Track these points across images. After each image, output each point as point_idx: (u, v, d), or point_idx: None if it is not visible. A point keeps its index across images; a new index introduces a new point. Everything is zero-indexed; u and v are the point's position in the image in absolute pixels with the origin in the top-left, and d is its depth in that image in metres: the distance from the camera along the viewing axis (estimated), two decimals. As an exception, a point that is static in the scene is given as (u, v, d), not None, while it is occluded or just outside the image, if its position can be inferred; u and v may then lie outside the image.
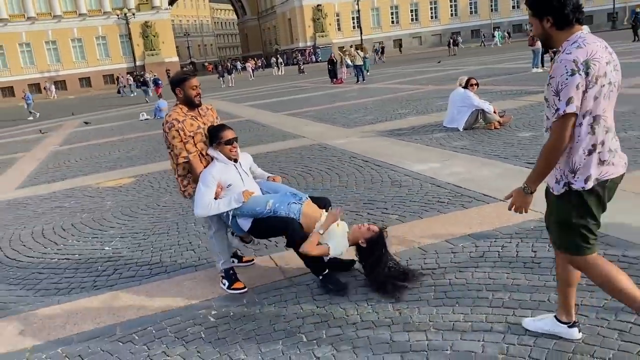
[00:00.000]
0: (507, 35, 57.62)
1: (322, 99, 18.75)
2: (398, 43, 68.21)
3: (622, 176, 2.54)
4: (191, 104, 3.94)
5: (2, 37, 59.40)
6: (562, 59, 2.32)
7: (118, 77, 48.27)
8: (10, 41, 59.88)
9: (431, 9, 73.71)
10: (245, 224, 3.87)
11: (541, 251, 3.89)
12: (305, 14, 70.37)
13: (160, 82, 31.27)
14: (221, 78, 40.80)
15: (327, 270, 3.76)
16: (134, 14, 59.14)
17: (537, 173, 2.50)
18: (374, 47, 53.92)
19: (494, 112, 9.09)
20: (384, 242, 3.76)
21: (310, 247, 3.61)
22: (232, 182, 3.87)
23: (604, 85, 2.35)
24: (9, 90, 58.92)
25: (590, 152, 2.40)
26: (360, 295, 3.60)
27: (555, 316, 2.85)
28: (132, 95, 40.63)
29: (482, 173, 6.24)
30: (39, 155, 13.23)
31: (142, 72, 50.63)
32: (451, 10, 74.09)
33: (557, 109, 2.33)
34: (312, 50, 69.45)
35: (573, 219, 2.48)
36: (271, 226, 3.79)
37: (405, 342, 2.96)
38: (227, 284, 3.98)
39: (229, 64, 47.94)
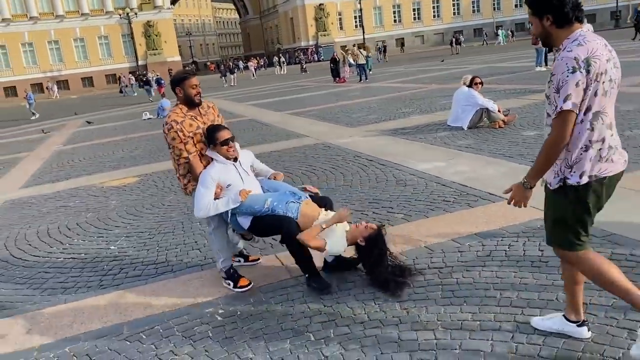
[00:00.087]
0: (510, 33, 57.51)
1: (325, 98, 18.74)
2: (400, 42, 68.09)
3: (621, 173, 2.55)
4: (191, 103, 3.94)
5: (4, 36, 59.51)
6: (563, 57, 2.34)
7: (120, 77, 48.31)
8: (12, 41, 59.97)
9: (434, 7, 73.61)
10: (245, 222, 3.88)
11: (548, 250, 3.85)
12: (307, 13, 70.32)
13: (162, 81, 31.26)
14: (223, 77, 40.81)
15: (315, 270, 3.79)
16: (136, 14, 59.19)
17: (536, 168, 2.52)
18: (376, 46, 53.86)
19: (499, 110, 9.07)
20: (384, 239, 3.75)
21: (308, 236, 3.62)
22: (232, 182, 3.88)
23: (604, 82, 2.36)
24: (11, 90, 59.00)
25: (587, 148, 2.42)
26: (367, 294, 3.60)
27: (564, 315, 2.84)
28: (134, 95, 40.63)
29: (487, 172, 6.23)
30: (43, 155, 13.25)
31: (145, 72, 50.72)
32: (454, 9, 73.98)
33: (557, 106, 2.35)
34: (314, 50, 69.41)
35: (568, 214, 2.50)
36: (269, 224, 3.80)
37: (414, 341, 2.96)
38: (231, 284, 3.98)
39: (231, 64, 47.92)
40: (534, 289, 3.36)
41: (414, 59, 45.00)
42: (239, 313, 3.58)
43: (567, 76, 2.30)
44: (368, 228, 3.77)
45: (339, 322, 3.27)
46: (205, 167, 3.94)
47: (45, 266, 5.01)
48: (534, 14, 2.47)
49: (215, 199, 3.85)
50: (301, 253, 3.74)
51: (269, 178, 4.25)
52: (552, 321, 2.87)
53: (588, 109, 2.37)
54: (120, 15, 59.33)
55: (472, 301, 3.31)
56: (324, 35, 70.09)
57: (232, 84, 38.17)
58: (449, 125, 9.61)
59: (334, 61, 27.70)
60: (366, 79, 25.19)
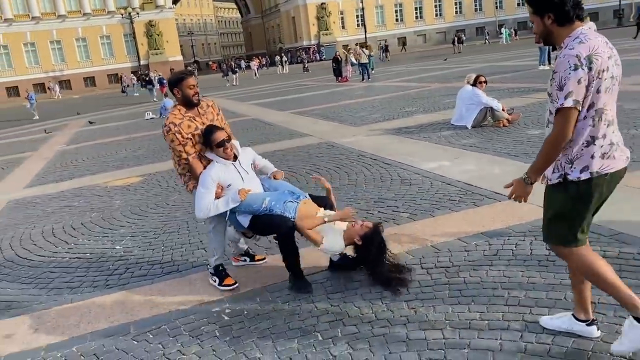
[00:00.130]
0: (513, 32, 57.38)
1: (327, 97, 18.73)
2: (402, 41, 68.03)
3: (624, 170, 2.56)
4: (190, 104, 3.94)
5: (6, 37, 59.66)
6: (565, 54, 2.36)
7: (122, 77, 48.34)
8: (15, 41, 60.11)
9: (436, 6, 73.54)
10: (245, 220, 3.89)
11: (556, 249, 3.86)
12: (309, 12, 70.33)
13: (164, 81, 31.26)
14: (225, 77, 40.83)
15: (300, 273, 3.82)
16: (138, 13, 59.32)
17: (538, 164, 2.53)
18: (379, 45, 53.80)
19: (503, 109, 9.05)
20: (381, 237, 3.73)
21: (308, 225, 3.67)
22: (232, 182, 3.89)
23: (606, 80, 2.38)
24: (13, 90, 59.11)
25: (588, 144, 2.43)
26: (374, 293, 3.59)
27: (573, 314, 2.83)
28: (136, 95, 40.64)
29: (492, 171, 6.22)
30: (46, 155, 13.26)
31: (147, 72, 50.78)
32: (456, 8, 73.90)
33: (559, 103, 2.37)
34: (316, 49, 69.39)
35: (568, 209, 2.52)
36: (266, 224, 3.82)
37: (422, 340, 2.95)
38: (217, 280, 4.02)
39: (233, 63, 47.93)
40: (541, 288, 3.35)
41: (416, 58, 44.95)
42: (245, 312, 3.58)
43: (569, 73, 2.32)
44: (363, 227, 3.75)
45: (347, 322, 3.26)
46: (205, 167, 3.94)
47: (51, 266, 5.01)
48: (535, 13, 2.49)
49: (216, 198, 3.85)
50: (292, 255, 3.77)
51: (269, 177, 4.24)
52: (561, 320, 2.86)
53: (591, 106, 2.39)
54: (122, 14, 59.44)
55: (480, 300, 3.30)
56: (326, 35, 70.07)
57: (235, 84, 38.17)
58: (452, 124, 9.59)
59: (336, 61, 27.68)
60: (369, 78, 25.18)
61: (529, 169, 2.57)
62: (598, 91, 2.37)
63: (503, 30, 55.08)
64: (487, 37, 59.01)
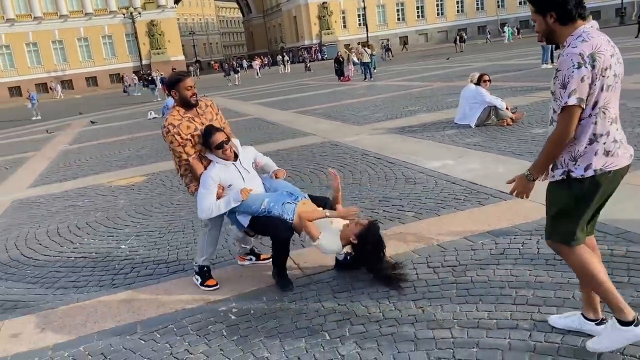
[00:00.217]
0: (516, 31, 57.27)
1: (330, 97, 18.72)
2: (403, 40, 67.96)
3: (627, 168, 2.57)
4: (188, 105, 3.94)
5: (9, 37, 59.75)
6: (568, 53, 2.37)
7: (123, 77, 48.35)
8: (17, 41, 60.20)
9: (437, 5, 73.47)
10: (245, 220, 3.91)
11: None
12: (310, 11, 70.31)
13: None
14: (227, 77, 40.80)
15: (284, 271, 3.89)
16: (140, 13, 59.38)
17: (540, 162, 2.55)
18: (381, 44, 53.74)
19: (507, 108, 9.03)
20: (376, 234, 3.71)
21: (308, 216, 3.71)
22: (233, 182, 3.89)
23: (609, 77, 2.39)
24: (16, 90, 59.17)
25: (591, 142, 2.44)
26: (381, 292, 3.58)
27: (582, 313, 2.82)
28: (138, 94, 40.63)
29: (497, 170, 6.21)
30: (49, 155, 13.28)
31: (149, 71, 50.77)
32: (457, 7, 73.83)
33: (562, 101, 2.38)
34: (318, 48, 69.37)
35: (570, 207, 2.53)
36: (264, 225, 3.84)
37: (431, 339, 2.95)
38: (199, 279, 4.06)
39: (234, 63, 47.92)
40: (549, 287, 3.34)
41: (417, 57, 44.90)
42: (252, 312, 3.57)
43: (573, 72, 2.33)
44: (358, 225, 3.74)
45: (354, 321, 3.26)
46: (206, 167, 3.94)
47: (57, 265, 5.01)
48: (537, 12, 2.50)
49: (218, 198, 3.86)
50: (282, 256, 3.84)
51: (270, 176, 4.24)
52: (570, 319, 2.85)
53: (594, 104, 2.40)
54: (123, 14, 59.49)
55: (487, 299, 3.29)
56: (328, 34, 70.05)
57: (237, 83, 38.17)
58: (456, 123, 9.57)
59: (338, 61, 27.67)
60: (371, 77, 25.17)
61: (531, 166, 2.60)
62: (601, 89, 2.38)
63: (506, 28, 54.94)
64: (489, 36, 58.91)
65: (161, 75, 34.97)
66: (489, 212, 4.88)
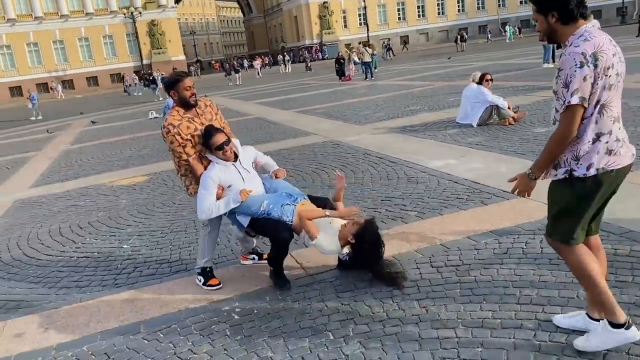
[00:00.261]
0: (517, 30, 57.18)
1: (331, 96, 18.71)
2: (403, 40, 67.91)
3: (629, 167, 2.57)
4: (187, 105, 3.94)
5: (10, 37, 59.76)
6: (570, 52, 2.37)
7: (123, 76, 48.33)
8: (18, 41, 60.21)
9: (438, 4, 73.39)
10: (244, 220, 3.91)
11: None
12: (311, 11, 70.26)
13: (167, 80, 31.31)
14: (228, 76, 40.78)
15: (281, 271, 3.90)
16: (140, 13, 59.33)
17: (542, 160, 2.55)
18: (383, 43, 53.68)
19: (509, 107, 9.02)
20: (373, 233, 3.70)
21: (307, 215, 3.72)
22: (232, 183, 3.89)
23: (611, 76, 2.39)
24: (17, 90, 59.16)
25: (594, 141, 2.44)
26: (384, 292, 3.57)
27: (586, 313, 2.82)
28: (138, 94, 40.62)
29: (499, 169, 6.20)
30: (51, 154, 13.28)
31: (150, 71, 50.77)
32: (458, 6, 73.73)
33: (565, 100, 2.38)
34: (318, 48, 69.34)
35: (572, 205, 2.53)
36: (263, 227, 3.85)
37: (435, 339, 2.94)
38: (202, 280, 4.07)
39: (235, 62, 47.91)
40: (553, 286, 3.33)
41: (418, 56, 44.86)
42: (255, 311, 3.57)
43: (575, 71, 2.33)
44: (355, 224, 3.74)
45: (358, 321, 3.25)
46: (206, 167, 3.93)
47: (59, 265, 5.01)
48: (539, 11, 2.50)
49: (217, 199, 3.85)
50: (280, 257, 3.84)
51: (270, 176, 4.23)
52: (575, 319, 2.85)
53: (596, 103, 2.40)
54: (124, 14, 59.45)
55: (491, 299, 3.29)
56: (328, 34, 69.99)
57: (237, 83, 38.14)
58: (458, 123, 9.56)
59: (339, 62, 27.66)
60: (372, 76, 25.16)
61: (533, 165, 2.60)
62: (604, 88, 2.38)
63: (507, 28, 54.79)
64: (489, 36, 58.82)
65: (162, 74, 34.93)
66: (492, 211, 4.88)
